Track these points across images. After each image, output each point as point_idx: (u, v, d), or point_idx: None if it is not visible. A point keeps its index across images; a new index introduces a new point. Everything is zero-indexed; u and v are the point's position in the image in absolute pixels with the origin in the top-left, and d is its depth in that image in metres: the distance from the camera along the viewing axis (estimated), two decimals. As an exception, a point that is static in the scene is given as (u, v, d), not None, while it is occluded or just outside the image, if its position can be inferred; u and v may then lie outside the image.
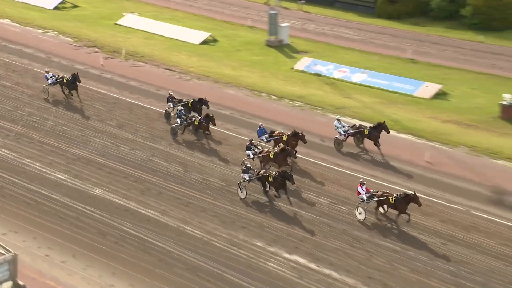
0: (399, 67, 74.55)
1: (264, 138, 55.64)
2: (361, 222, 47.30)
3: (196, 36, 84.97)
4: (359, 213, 46.54)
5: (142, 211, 49.04)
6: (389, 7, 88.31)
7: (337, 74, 73.32)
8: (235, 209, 49.54)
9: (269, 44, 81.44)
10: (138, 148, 57.91)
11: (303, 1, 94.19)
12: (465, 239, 45.69)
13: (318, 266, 43.33)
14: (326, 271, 42.97)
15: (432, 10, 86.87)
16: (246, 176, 49.56)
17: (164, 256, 44.10)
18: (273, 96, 68.98)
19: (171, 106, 59.61)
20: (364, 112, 65.26)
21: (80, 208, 49.17)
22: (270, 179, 48.42)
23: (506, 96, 62.88)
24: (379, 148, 55.65)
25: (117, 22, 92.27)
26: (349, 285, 41.60)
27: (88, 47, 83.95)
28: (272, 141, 55.92)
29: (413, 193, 45.06)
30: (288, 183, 48.52)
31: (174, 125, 57.41)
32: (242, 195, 49.54)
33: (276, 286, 41.53)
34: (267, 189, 48.88)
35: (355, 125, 57.07)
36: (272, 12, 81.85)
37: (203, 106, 59.83)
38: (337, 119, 57.02)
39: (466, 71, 73.99)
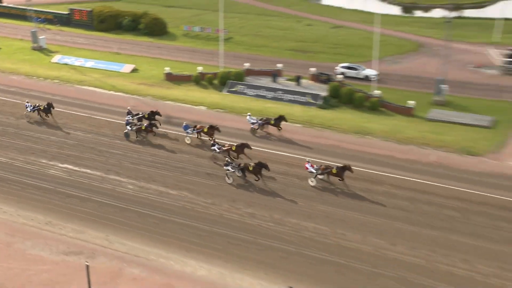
0: (111, 57, 72.14)
1: (190, 131, 46.89)
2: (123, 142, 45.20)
3: (-14, 46, 77.42)
4: (311, 182, 40.02)
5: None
6: (101, 25, 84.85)
7: (77, 63, 69.62)
8: (28, 144, 46.57)
9: (34, 49, 75.65)
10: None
11: (59, 24, 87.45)
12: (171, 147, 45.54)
13: (79, 168, 42.42)
14: (84, 170, 42.31)
15: (124, 26, 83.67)
16: (230, 167, 40.36)
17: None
18: (40, 78, 64.52)
19: (131, 117, 49.80)
20: (95, 82, 62.56)
21: None
22: (251, 169, 40.17)
23: (166, 68, 63.30)
24: (279, 131, 48.50)
25: None
26: (98, 175, 41.36)
27: None
28: (196, 133, 47.35)
29: (348, 164, 40.14)
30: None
31: (126, 131, 47.83)
32: (230, 181, 40.40)
33: (56, 183, 40.24)
34: (246, 175, 40.69)
35: (262, 118, 49.32)
36: (33, 30, 76.48)
37: (156, 116, 49.90)
38: (249, 115, 49.63)
39: (146, 57, 72.41)
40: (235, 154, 43.50)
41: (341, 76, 60.42)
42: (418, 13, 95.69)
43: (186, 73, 63.04)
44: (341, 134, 48.65)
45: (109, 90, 59.85)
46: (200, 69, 62.22)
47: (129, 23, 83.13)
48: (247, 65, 62.40)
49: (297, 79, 59.32)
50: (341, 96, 55.46)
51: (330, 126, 49.08)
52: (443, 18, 78.52)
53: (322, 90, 56.91)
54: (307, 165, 40.54)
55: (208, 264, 31.94)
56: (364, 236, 34.26)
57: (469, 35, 74.53)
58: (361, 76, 61.75)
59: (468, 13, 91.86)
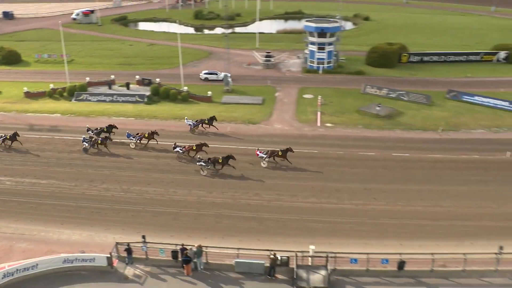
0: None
1: (133, 138, 40.59)
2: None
3: None
4: (263, 164, 36.79)
5: None
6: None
7: None
8: None
9: None
10: None
11: None
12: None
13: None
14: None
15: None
16: (202, 163, 35.75)
17: None
18: None
19: (91, 133, 41.67)
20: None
21: None
22: (220, 161, 35.81)
23: (25, 88, 55.48)
24: (209, 127, 44.12)
25: None
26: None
27: None
28: (139, 138, 40.83)
29: (289, 147, 36.90)
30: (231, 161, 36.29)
31: (84, 147, 40.15)
32: (204, 173, 35.93)
33: None
34: (209, 166, 36.08)
35: (198, 119, 44.33)
36: None
37: (113, 128, 42.41)
38: (186, 118, 44.86)
39: (6, 82, 61.63)
40: (194, 152, 38.71)
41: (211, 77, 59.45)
42: (206, 31, 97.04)
43: (41, 90, 56.63)
44: (164, 120, 47.70)
45: (-21, 111, 52.00)
46: (51, 86, 56.46)
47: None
48: (87, 79, 58.11)
49: (127, 85, 56.82)
50: (160, 94, 54.32)
51: (155, 116, 48.02)
52: (223, 34, 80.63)
53: (146, 91, 55.23)
54: (257, 152, 37.71)
55: (79, 230, 30.10)
56: (189, 190, 34.57)
57: (241, 44, 77.17)
58: (220, 78, 59.37)
59: (238, 30, 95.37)
